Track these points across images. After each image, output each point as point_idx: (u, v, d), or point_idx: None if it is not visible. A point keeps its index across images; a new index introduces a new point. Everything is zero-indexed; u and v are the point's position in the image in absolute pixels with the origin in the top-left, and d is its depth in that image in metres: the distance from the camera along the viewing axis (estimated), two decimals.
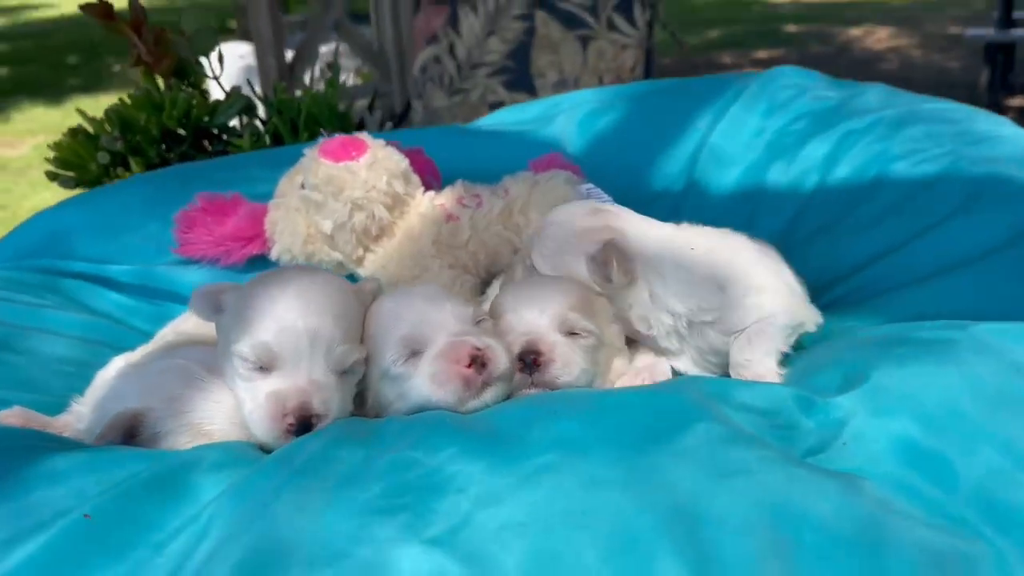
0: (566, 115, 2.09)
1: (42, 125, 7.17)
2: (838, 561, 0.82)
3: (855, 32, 10.05)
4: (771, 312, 1.25)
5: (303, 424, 1.07)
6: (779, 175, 1.76)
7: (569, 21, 4.62)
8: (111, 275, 1.69)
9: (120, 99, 2.29)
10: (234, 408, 1.13)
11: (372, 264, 1.64)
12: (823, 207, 1.64)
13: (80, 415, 1.24)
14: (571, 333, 1.22)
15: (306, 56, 5.25)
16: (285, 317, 1.10)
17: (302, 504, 0.88)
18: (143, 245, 1.72)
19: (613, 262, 1.26)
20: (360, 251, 1.64)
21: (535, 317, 1.22)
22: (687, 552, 0.81)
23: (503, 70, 4.74)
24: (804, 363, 1.17)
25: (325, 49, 5.45)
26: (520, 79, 4.73)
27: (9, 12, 13.10)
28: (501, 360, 1.12)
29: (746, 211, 1.72)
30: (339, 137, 1.62)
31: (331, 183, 1.57)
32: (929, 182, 1.54)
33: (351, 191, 1.57)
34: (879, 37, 9.71)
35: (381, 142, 1.65)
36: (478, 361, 1.10)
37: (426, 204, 1.68)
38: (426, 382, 1.12)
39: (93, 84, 8.42)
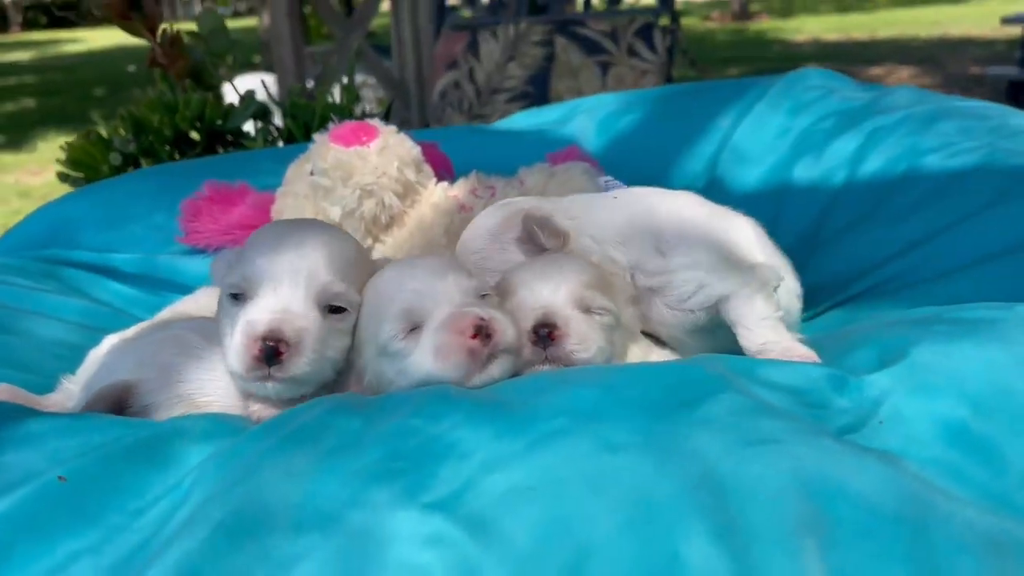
0: (585, 115, 2.05)
1: None
2: (881, 538, 0.74)
3: (876, 71, 10.03)
4: (705, 279, 1.20)
5: (271, 351, 1.00)
6: (805, 172, 1.69)
7: (589, 47, 4.62)
8: (114, 264, 1.65)
9: (135, 102, 2.27)
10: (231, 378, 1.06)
11: (380, 255, 1.58)
12: (853, 202, 1.57)
13: (70, 393, 1.18)
14: (587, 310, 1.16)
15: (327, 84, 5.27)
16: (270, 247, 1.07)
17: (291, 469, 0.81)
18: (148, 235, 1.68)
19: (537, 230, 1.24)
20: (369, 240, 1.58)
21: (550, 292, 1.15)
22: (714, 522, 0.73)
23: (522, 95, 4.73)
24: (837, 343, 1.09)
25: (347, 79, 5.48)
26: (539, 104, 4.71)
27: (39, 46, 13.39)
28: (507, 331, 1.05)
29: (771, 208, 1.65)
30: (350, 123, 1.58)
31: (340, 168, 1.52)
32: (963, 174, 1.47)
33: (360, 176, 1.52)
34: (900, 76, 9.68)
35: (392, 128, 1.60)
36: (483, 332, 1.03)
37: (439, 194, 1.62)
38: (428, 356, 1.04)
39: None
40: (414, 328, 1.07)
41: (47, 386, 1.24)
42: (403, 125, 5.42)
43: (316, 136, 1.58)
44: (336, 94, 2.48)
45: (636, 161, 1.88)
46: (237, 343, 1.02)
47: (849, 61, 10.76)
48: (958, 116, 1.66)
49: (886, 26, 13.80)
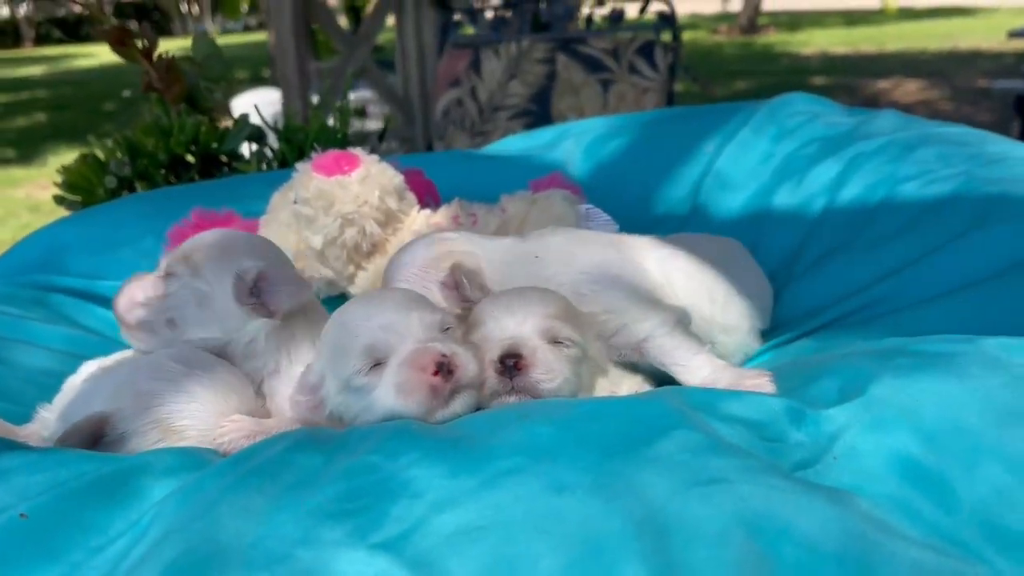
0: (573, 140, 2.06)
1: None
2: None
3: (883, 84, 10.03)
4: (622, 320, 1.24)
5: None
6: (786, 198, 1.71)
7: (590, 65, 4.65)
8: (101, 291, 1.67)
9: (130, 127, 2.30)
10: (207, 401, 1.08)
11: (364, 282, 1.61)
12: (830, 230, 1.58)
13: (46, 422, 1.20)
14: (554, 341, 1.17)
15: (332, 100, 5.32)
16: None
17: (247, 506, 0.83)
18: (137, 261, 1.69)
19: (464, 281, 1.27)
20: (351, 268, 1.60)
21: (516, 324, 1.17)
22: (655, 563, 0.74)
23: (524, 113, 4.76)
24: (800, 373, 1.10)
25: (354, 95, 5.52)
26: (541, 122, 4.74)
27: (50, 61, 13.53)
28: (469, 366, 1.07)
29: (751, 235, 1.67)
30: (333, 152, 1.60)
31: (322, 197, 1.54)
32: (939, 203, 1.48)
33: (342, 205, 1.54)
34: (908, 90, 9.67)
35: (375, 158, 1.62)
36: (444, 368, 1.05)
37: (420, 222, 1.64)
38: (391, 392, 1.06)
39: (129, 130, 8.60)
40: (377, 364, 1.08)
41: (29, 416, 1.26)
42: (406, 143, 5.46)
43: (299, 165, 1.60)
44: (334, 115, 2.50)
45: (621, 187, 1.89)
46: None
47: (857, 74, 10.75)
48: (938, 143, 1.67)
49: (894, 39, 13.79)
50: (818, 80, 10.57)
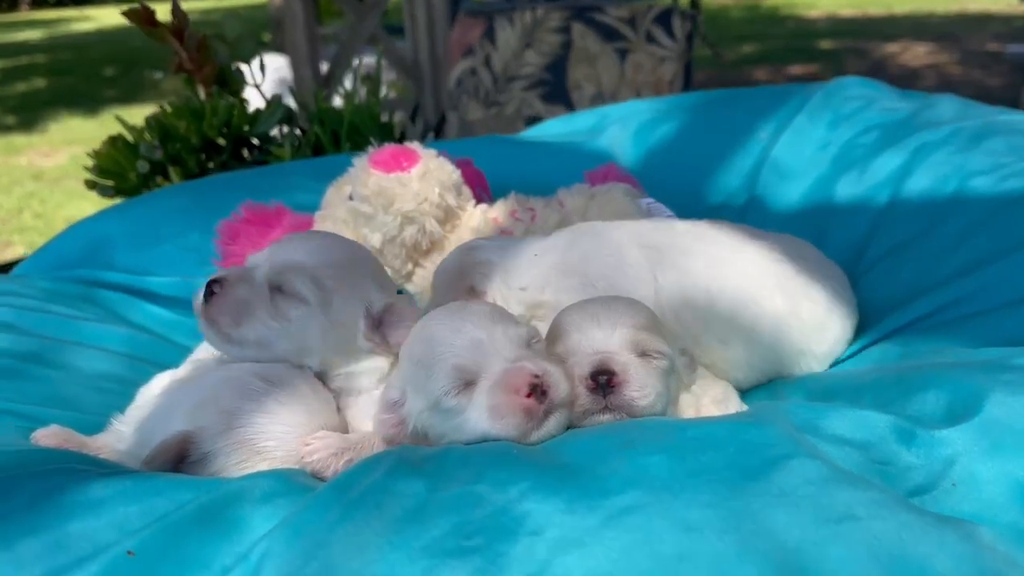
0: (618, 126, 2.01)
1: (78, 136, 7.23)
2: None
3: (892, 48, 9.90)
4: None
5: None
6: (849, 189, 1.66)
7: (607, 34, 4.56)
8: (151, 287, 1.63)
9: (160, 107, 2.24)
10: (292, 421, 1.05)
11: (422, 280, 1.57)
12: (898, 223, 1.54)
13: (120, 435, 1.17)
14: (643, 354, 1.13)
15: (341, 68, 5.22)
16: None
17: (361, 543, 0.80)
18: (184, 256, 1.66)
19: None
20: (409, 266, 1.57)
21: (604, 336, 1.13)
22: None
23: (539, 83, 4.68)
24: (897, 384, 1.07)
25: (359, 61, 5.42)
26: (557, 92, 4.68)
27: (48, 25, 13.29)
28: (561, 386, 1.04)
29: (814, 226, 1.63)
30: (390, 147, 1.55)
31: (382, 195, 1.50)
32: (1015, 199, 1.44)
33: (401, 203, 1.50)
34: (917, 53, 9.55)
35: (432, 152, 1.58)
36: (538, 389, 1.01)
37: (478, 217, 1.60)
38: (484, 415, 1.03)
39: (129, 96, 8.48)
40: (467, 384, 1.05)
41: (94, 423, 1.23)
42: (417, 111, 5.38)
43: (355, 160, 1.56)
44: (355, 85, 2.44)
45: (672, 176, 1.85)
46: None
47: (865, 37, 10.62)
48: (1006, 132, 1.62)
49: (902, 1, 13.60)
50: (826, 43, 10.44)
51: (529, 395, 1.01)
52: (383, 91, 2.46)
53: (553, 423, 1.03)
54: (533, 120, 4.42)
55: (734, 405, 1.26)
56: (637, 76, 4.61)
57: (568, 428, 1.06)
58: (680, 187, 1.80)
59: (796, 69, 8.68)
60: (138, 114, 2.32)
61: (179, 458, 1.03)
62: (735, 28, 11.87)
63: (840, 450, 0.92)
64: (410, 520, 0.83)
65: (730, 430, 0.94)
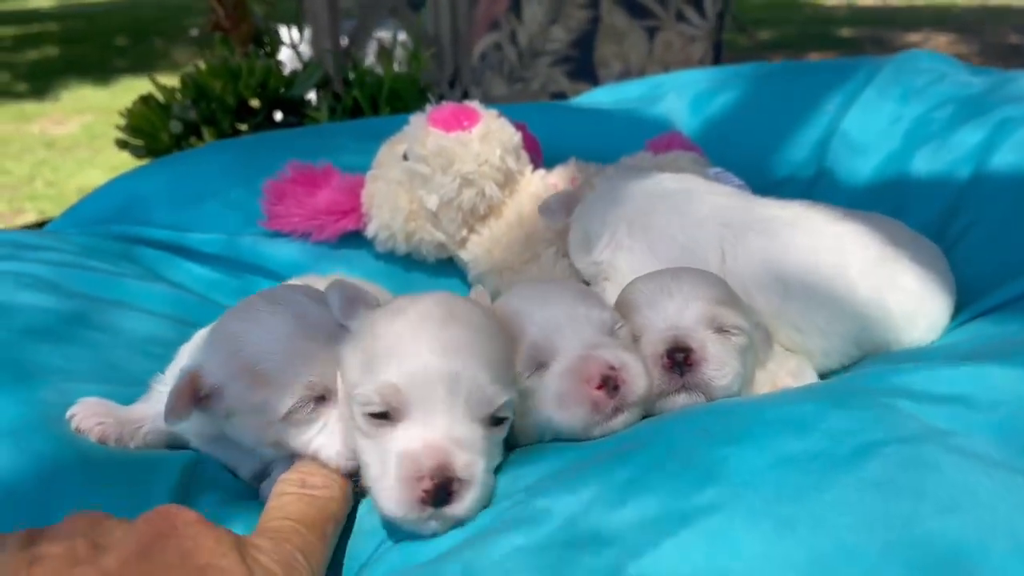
0: (675, 94, 1.93)
1: (90, 104, 7.15)
2: None
3: (912, 38, 9.77)
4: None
5: (442, 492, 0.81)
6: (926, 164, 1.59)
7: (635, 11, 4.47)
8: (192, 244, 1.56)
9: (195, 66, 2.16)
10: (299, 348, 0.94)
11: (476, 247, 1.50)
12: (983, 199, 1.46)
13: (161, 398, 1.09)
14: (720, 330, 1.05)
15: (362, 40, 5.13)
16: (414, 348, 0.86)
17: None
18: (226, 213, 1.58)
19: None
20: (464, 232, 1.49)
21: (677, 310, 1.04)
22: None
23: (566, 59, 4.60)
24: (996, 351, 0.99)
25: (380, 35, 5.33)
26: (583, 69, 4.60)
27: None
28: (638, 383, 0.95)
29: (891, 201, 1.55)
30: (450, 105, 1.47)
31: (441, 155, 1.42)
32: None
33: (461, 164, 1.42)
34: (937, 43, 9.42)
35: (494, 113, 1.50)
36: (611, 383, 0.92)
37: (537, 183, 1.53)
38: (550, 401, 0.95)
39: (141, 65, 8.36)
40: (541, 365, 0.97)
41: (140, 389, 1.15)
42: (436, 86, 5.29)
43: (412, 118, 1.48)
44: (397, 57, 2.36)
45: (735, 146, 1.77)
46: (393, 483, 0.83)
47: (884, 26, 10.49)
48: None
49: None
50: (845, 31, 10.31)
51: (600, 387, 0.93)
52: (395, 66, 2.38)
53: (621, 421, 0.94)
54: (558, 96, 4.34)
55: (810, 378, 1.18)
56: (666, 55, 4.52)
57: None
58: (742, 159, 1.72)
59: (815, 56, 8.57)
60: (149, 84, 2.23)
61: (195, 397, 0.95)
62: (753, 13, 11.72)
63: (939, 408, 0.84)
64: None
65: (814, 413, 0.84)
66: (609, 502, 0.76)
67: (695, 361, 1.01)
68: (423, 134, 1.44)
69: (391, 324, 0.89)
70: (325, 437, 0.94)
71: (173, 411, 0.94)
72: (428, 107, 1.48)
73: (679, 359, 1.01)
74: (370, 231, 1.52)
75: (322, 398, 0.95)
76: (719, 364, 1.01)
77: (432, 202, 1.44)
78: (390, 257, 1.56)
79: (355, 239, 1.54)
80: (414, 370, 0.84)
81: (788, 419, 0.84)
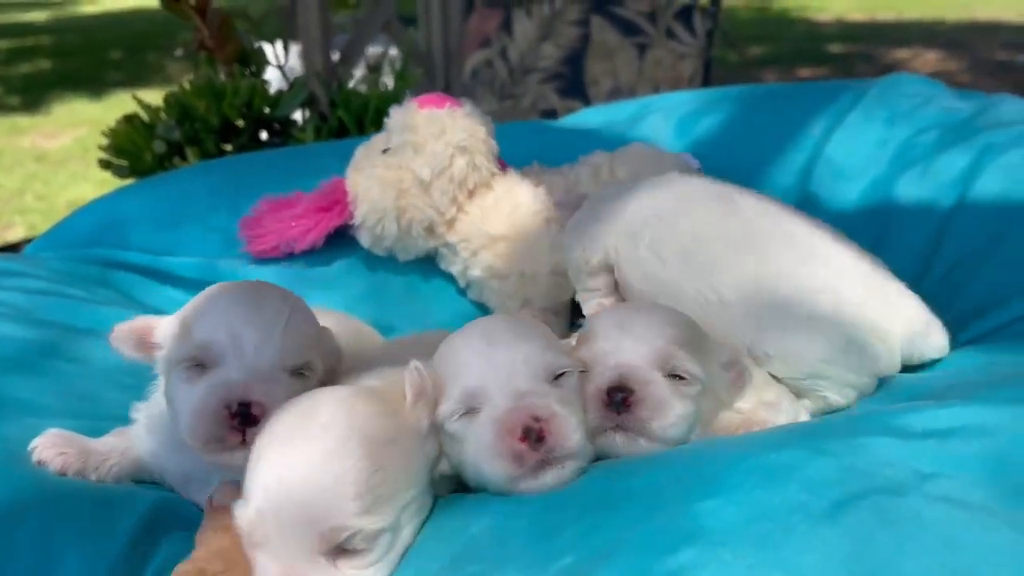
0: (660, 115, 1.93)
1: (82, 118, 7.13)
2: None
3: (902, 54, 9.81)
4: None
5: (244, 414, 0.91)
6: (911, 189, 1.58)
7: (626, 28, 4.49)
8: (170, 268, 1.54)
9: (180, 86, 2.15)
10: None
11: (464, 227, 1.54)
12: (971, 226, 1.46)
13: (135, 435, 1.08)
14: (672, 375, 1.01)
15: (353, 56, 5.13)
16: (223, 315, 0.99)
17: None
18: (206, 237, 1.57)
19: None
20: (454, 210, 1.52)
21: (632, 347, 1.02)
22: None
23: (556, 76, 4.61)
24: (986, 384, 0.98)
25: (371, 51, 5.34)
26: (573, 86, 4.60)
27: (53, 6, 13.14)
28: (568, 436, 0.90)
29: (875, 228, 1.54)
30: (435, 93, 1.57)
31: (434, 123, 1.49)
32: None
33: (453, 133, 1.49)
34: (926, 60, 9.46)
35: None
36: (532, 435, 0.88)
37: (512, 177, 1.60)
38: (475, 450, 0.92)
39: (134, 79, 8.36)
40: (472, 410, 0.94)
41: (111, 423, 1.13)
42: None
43: (393, 110, 1.55)
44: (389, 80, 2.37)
45: (718, 170, 1.75)
46: (202, 407, 0.93)
47: (874, 43, 10.54)
48: None
49: (912, 7, 13.53)
50: (835, 47, 10.35)
51: (523, 439, 0.89)
52: (384, 83, 2.42)
53: (551, 476, 0.90)
54: (548, 114, 4.34)
55: (787, 409, 1.14)
56: (656, 72, 4.53)
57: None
58: (727, 180, 1.71)
59: (805, 72, 8.60)
60: (143, 98, 2.22)
61: (141, 342, 1.02)
62: (745, 30, 11.77)
63: (923, 446, 0.82)
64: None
65: (791, 461, 0.81)
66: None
67: (633, 403, 0.98)
68: (411, 115, 1.52)
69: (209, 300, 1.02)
70: None
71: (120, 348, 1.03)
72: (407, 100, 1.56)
73: (617, 399, 0.98)
74: (359, 216, 1.52)
75: None
76: (658, 408, 0.99)
77: (425, 172, 1.48)
78: (369, 279, 1.56)
79: (331, 262, 1.53)
80: (223, 325, 0.97)
81: (765, 468, 0.81)
